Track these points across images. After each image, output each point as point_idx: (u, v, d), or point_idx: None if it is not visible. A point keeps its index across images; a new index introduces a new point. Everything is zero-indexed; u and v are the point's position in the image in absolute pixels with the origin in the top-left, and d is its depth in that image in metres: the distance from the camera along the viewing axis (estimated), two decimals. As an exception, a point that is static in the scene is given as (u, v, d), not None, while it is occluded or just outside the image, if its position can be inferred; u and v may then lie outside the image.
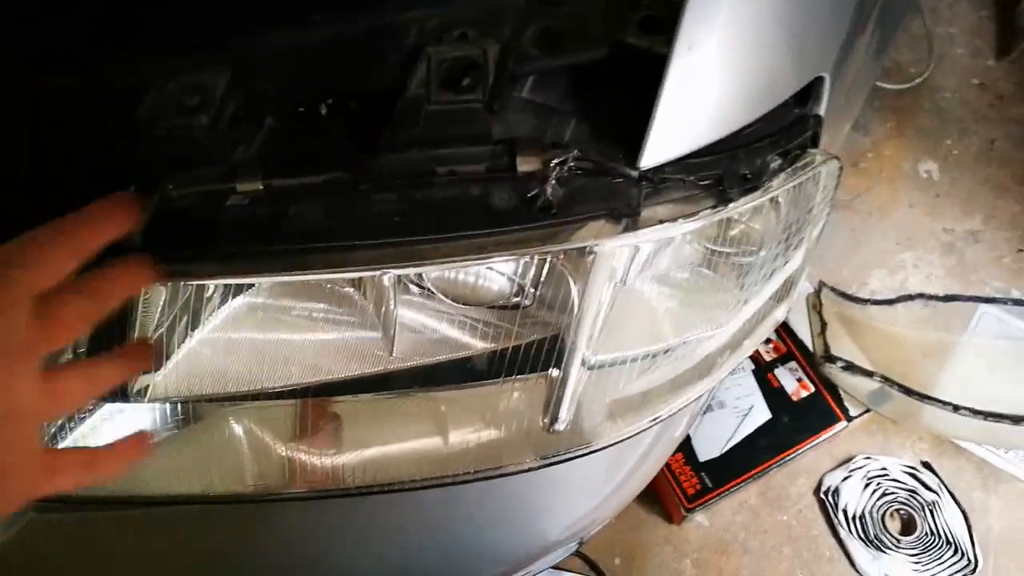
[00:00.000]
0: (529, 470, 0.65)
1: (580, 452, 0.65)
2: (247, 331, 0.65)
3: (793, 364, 1.49)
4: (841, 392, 1.46)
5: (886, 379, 1.38)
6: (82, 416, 0.65)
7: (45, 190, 0.60)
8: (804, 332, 1.51)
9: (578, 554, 1.41)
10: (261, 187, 0.55)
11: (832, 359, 1.41)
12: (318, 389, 0.65)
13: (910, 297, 1.53)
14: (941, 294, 1.55)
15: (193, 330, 0.65)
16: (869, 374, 1.39)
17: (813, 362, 1.47)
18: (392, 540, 0.73)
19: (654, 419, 0.66)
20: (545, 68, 0.59)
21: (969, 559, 1.39)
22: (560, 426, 0.63)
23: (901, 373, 1.41)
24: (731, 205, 0.56)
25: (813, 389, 1.46)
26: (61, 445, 0.63)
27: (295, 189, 0.55)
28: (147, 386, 0.65)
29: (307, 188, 0.55)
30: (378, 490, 0.66)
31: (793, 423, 1.43)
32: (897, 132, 1.82)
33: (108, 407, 0.65)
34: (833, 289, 1.54)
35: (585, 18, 0.59)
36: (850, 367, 1.40)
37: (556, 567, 1.43)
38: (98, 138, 0.59)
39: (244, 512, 0.69)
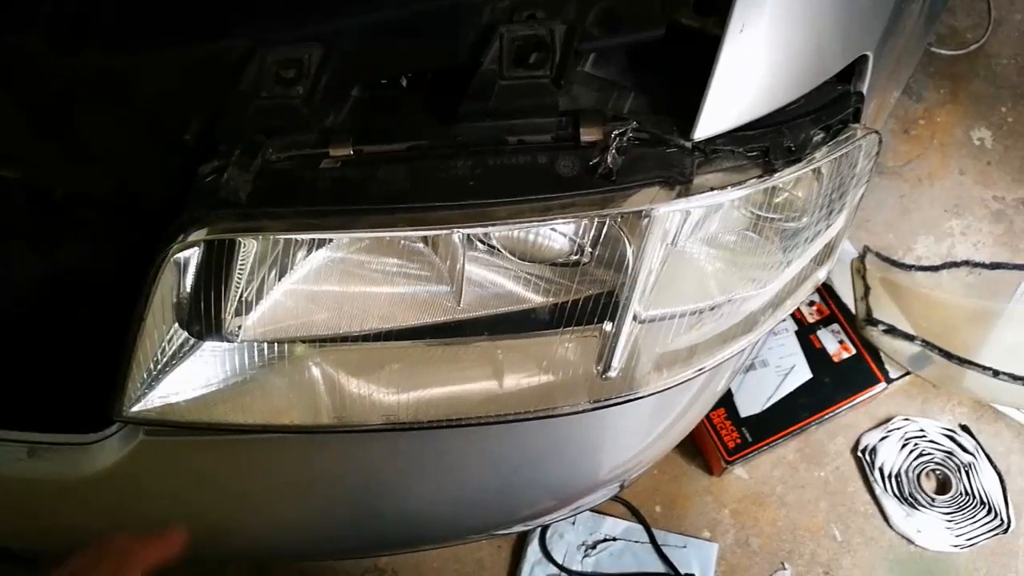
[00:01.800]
0: (581, 411, 0.72)
1: (629, 398, 0.71)
2: (327, 284, 0.72)
3: (835, 326, 1.52)
4: (882, 355, 1.50)
5: (927, 343, 1.42)
6: (186, 351, 0.73)
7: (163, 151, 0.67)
8: (847, 295, 1.54)
9: (621, 500, 1.49)
10: (351, 152, 0.62)
11: (874, 322, 1.45)
12: (390, 335, 0.72)
13: (955, 264, 1.55)
14: (987, 262, 1.56)
15: (279, 281, 0.72)
16: (910, 338, 1.43)
17: (855, 325, 1.51)
18: (454, 470, 0.80)
19: (699, 370, 0.72)
20: (606, 47, 0.64)
21: (1002, 519, 1.43)
22: (612, 373, 0.69)
23: (943, 338, 1.44)
24: (776, 175, 0.61)
25: (854, 351, 1.50)
26: (172, 377, 0.71)
27: (381, 155, 0.62)
28: (239, 326, 0.72)
29: (392, 154, 0.62)
30: (442, 424, 0.73)
31: (833, 383, 1.48)
32: (951, 98, 1.81)
33: (207, 344, 0.73)
34: (878, 254, 1.57)
35: None
36: (892, 330, 1.43)
37: (598, 511, 1.51)
38: (209, 103, 0.66)
39: (325, 444, 0.77)
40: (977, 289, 1.55)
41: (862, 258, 1.55)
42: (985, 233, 1.67)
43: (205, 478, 0.79)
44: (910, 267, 1.56)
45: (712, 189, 0.60)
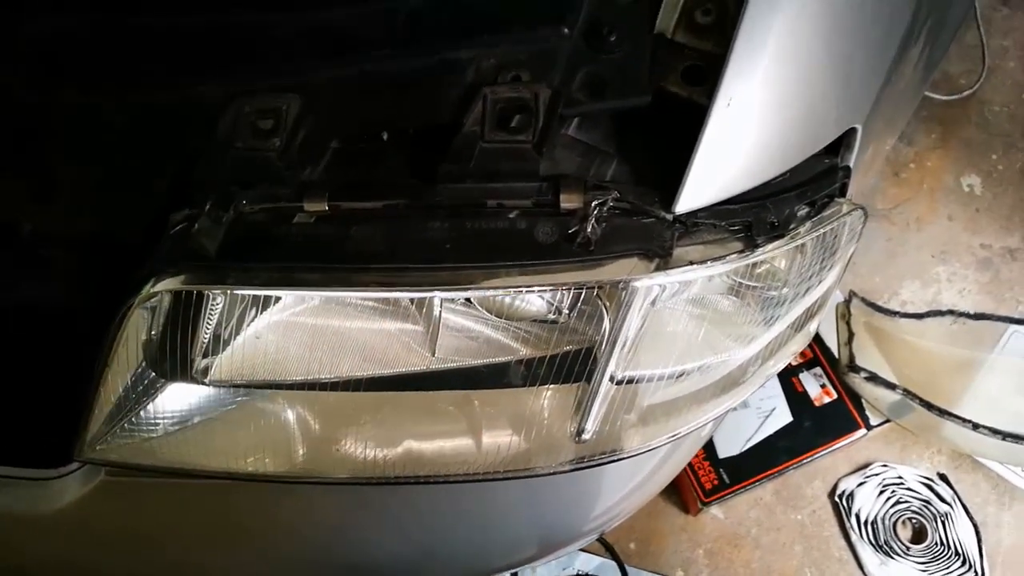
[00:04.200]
0: (557, 472, 0.71)
1: (607, 460, 0.70)
2: (304, 317, 0.70)
3: (818, 370, 1.52)
4: (863, 401, 1.49)
5: (908, 392, 1.41)
6: (152, 392, 0.72)
7: (131, 195, 0.66)
8: (831, 339, 1.54)
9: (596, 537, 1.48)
10: (327, 208, 0.61)
11: (856, 369, 1.44)
12: (363, 383, 0.71)
13: (940, 312, 1.55)
14: (973, 311, 1.56)
15: (253, 320, 0.71)
16: (892, 386, 1.42)
17: (838, 370, 1.51)
18: (426, 526, 0.79)
19: (675, 435, 0.71)
20: (591, 112, 0.63)
21: (976, 571, 1.42)
22: (587, 436, 0.68)
23: (925, 387, 1.44)
24: (758, 251, 0.61)
25: (836, 396, 1.50)
26: (138, 418, 0.70)
27: (357, 212, 0.61)
28: (207, 367, 0.71)
29: (368, 212, 0.61)
30: (415, 481, 0.72)
31: (814, 427, 1.48)
32: (942, 143, 1.82)
33: (174, 386, 0.72)
34: (863, 300, 1.57)
35: (631, 66, 0.63)
36: (873, 378, 1.43)
37: (573, 548, 1.50)
38: (183, 149, 0.65)
39: (290, 491, 0.76)
40: (961, 338, 1.55)
41: (847, 303, 1.55)
42: (971, 280, 1.67)
43: (166, 521, 0.77)
44: (895, 313, 1.56)
45: (691, 263, 0.59)
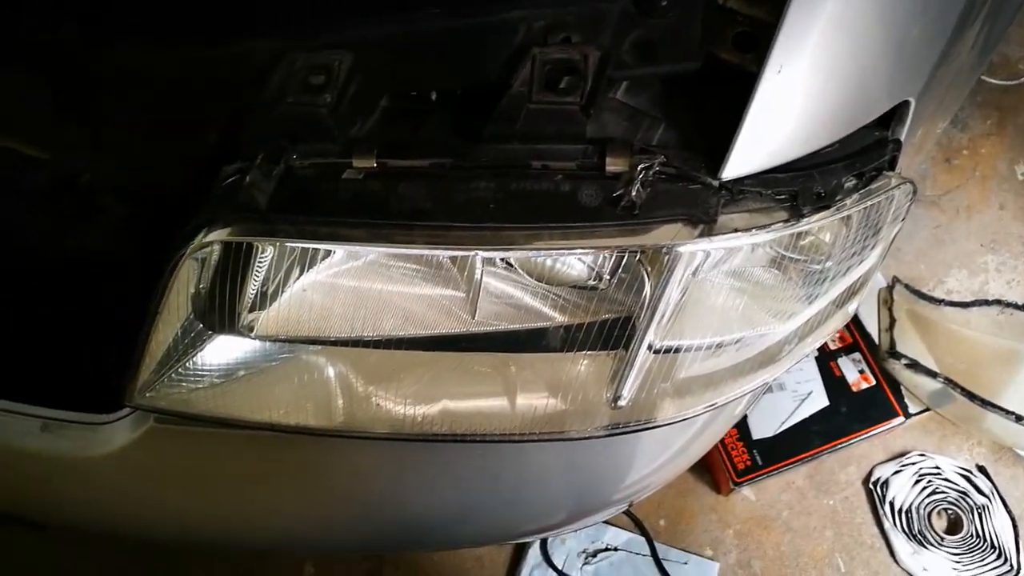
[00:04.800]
0: (591, 437, 0.72)
1: (641, 427, 0.70)
2: (348, 279, 0.71)
3: (857, 355, 1.50)
4: (902, 388, 1.47)
5: (950, 381, 1.39)
6: (199, 344, 0.74)
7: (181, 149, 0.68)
8: (872, 325, 1.52)
9: (626, 512, 1.49)
10: (375, 165, 0.62)
11: (897, 355, 1.42)
12: (404, 342, 0.72)
13: (987, 302, 1.52)
14: (1020, 302, 1.53)
15: (300, 276, 0.72)
16: (933, 374, 1.40)
17: (877, 356, 1.49)
18: (459, 482, 0.80)
19: (711, 405, 0.71)
20: (640, 76, 0.63)
21: (1012, 565, 1.40)
22: (623, 403, 0.69)
23: (967, 377, 1.41)
24: (803, 220, 0.60)
25: (874, 382, 1.48)
26: (185, 368, 0.72)
27: (404, 170, 0.61)
28: (254, 321, 0.72)
29: (414, 170, 0.61)
30: (451, 439, 0.73)
31: (850, 413, 1.46)
32: (997, 130, 1.77)
33: (220, 338, 0.74)
34: (907, 286, 1.54)
35: (681, 30, 0.63)
36: (914, 365, 1.41)
37: (604, 521, 1.50)
38: (235, 104, 0.66)
39: (330, 445, 0.78)
40: (1007, 329, 1.52)
41: (890, 288, 1.52)
42: (1020, 271, 1.63)
43: (211, 468, 0.80)
44: (939, 301, 1.53)
45: (736, 230, 0.59)
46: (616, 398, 0.69)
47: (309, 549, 0.89)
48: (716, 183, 0.59)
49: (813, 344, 0.75)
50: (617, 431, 0.72)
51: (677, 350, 0.70)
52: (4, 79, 0.71)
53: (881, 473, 1.50)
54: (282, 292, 0.72)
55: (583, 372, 0.71)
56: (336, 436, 0.75)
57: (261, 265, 0.69)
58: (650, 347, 0.68)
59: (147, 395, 0.73)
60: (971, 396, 1.39)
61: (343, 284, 0.71)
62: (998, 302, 1.51)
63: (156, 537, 0.89)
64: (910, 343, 1.46)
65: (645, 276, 0.63)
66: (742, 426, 1.45)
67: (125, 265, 0.76)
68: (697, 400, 0.72)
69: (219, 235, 0.63)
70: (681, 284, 0.63)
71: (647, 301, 0.63)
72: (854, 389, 1.48)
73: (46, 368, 0.82)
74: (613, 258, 0.63)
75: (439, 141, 0.63)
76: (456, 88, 0.65)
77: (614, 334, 0.68)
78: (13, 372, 0.82)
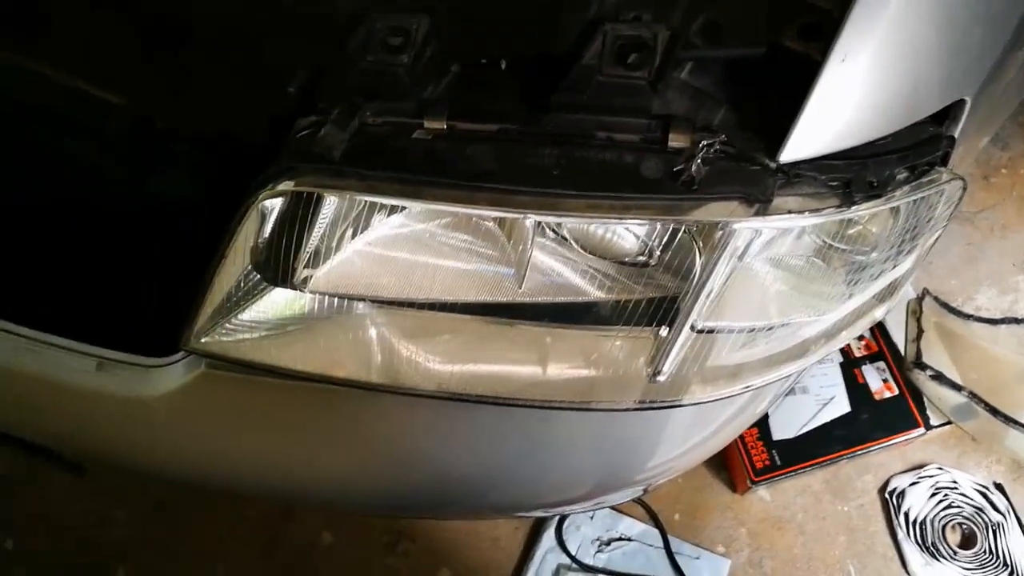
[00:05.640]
0: (624, 410, 0.74)
1: (673, 404, 0.72)
2: (398, 250, 0.74)
3: (881, 364, 1.51)
4: (925, 400, 1.48)
5: (974, 395, 1.40)
6: (256, 294, 0.76)
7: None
8: (899, 335, 1.52)
9: (641, 503, 1.50)
10: (445, 127, 0.64)
11: (922, 366, 1.43)
12: (449, 307, 0.74)
13: (1016, 320, 1.52)
14: (1049, 322, 1.53)
15: (353, 240, 0.74)
16: (957, 387, 1.41)
17: (902, 366, 1.49)
18: (492, 445, 0.82)
19: (745, 387, 0.73)
20: (706, 57, 0.65)
21: (1023, 583, 1.41)
22: (662, 378, 0.71)
23: (991, 393, 1.42)
24: (854, 208, 0.62)
25: (897, 392, 1.49)
26: (241, 316, 0.75)
27: (472, 133, 0.64)
28: (308, 277, 0.75)
29: (482, 134, 0.64)
30: (487, 400, 0.75)
31: (871, 421, 1.47)
32: (1038, 151, 1.77)
33: (277, 290, 0.76)
34: (936, 299, 1.55)
35: (749, 15, 0.65)
36: (939, 377, 1.42)
37: (617, 510, 1.52)
38: (315, 59, 0.69)
39: (372, 399, 0.80)
40: (1033, 348, 1.52)
41: (920, 300, 1.53)
42: (1051, 294, 1.63)
43: (258, 416, 0.82)
44: (968, 316, 1.54)
45: (789, 212, 0.61)
46: (656, 373, 0.71)
47: (344, 502, 0.91)
48: (773, 165, 0.61)
49: (843, 340, 0.77)
50: (652, 406, 0.74)
51: (718, 331, 0.71)
52: (91, 22, 0.74)
53: (898, 483, 1.51)
54: (337, 252, 0.74)
55: (623, 347, 0.73)
56: (379, 390, 0.77)
57: (323, 221, 0.71)
58: (692, 327, 0.70)
59: (203, 340, 0.75)
60: (994, 412, 1.39)
61: (394, 256, 0.73)
62: (1027, 321, 1.52)
63: (200, 480, 0.91)
64: (936, 355, 1.47)
65: (697, 252, 0.65)
66: (763, 426, 1.46)
67: (195, 211, 0.79)
68: (732, 382, 0.74)
69: (288, 185, 0.65)
70: (728, 266, 0.65)
71: (696, 276, 0.65)
72: (877, 397, 1.49)
73: (106, 308, 0.85)
74: (668, 232, 0.65)
75: (508, 107, 0.65)
76: (527, 59, 0.68)
77: (658, 312, 0.69)
78: (73, 310, 0.85)
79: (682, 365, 0.72)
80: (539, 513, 1.39)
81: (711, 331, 0.71)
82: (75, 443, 0.92)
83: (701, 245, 0.64)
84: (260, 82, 0.71)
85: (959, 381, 1.43)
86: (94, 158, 0.78)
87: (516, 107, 0.66)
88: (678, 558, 1.48)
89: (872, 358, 1.52)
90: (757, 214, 0.61)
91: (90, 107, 0.76)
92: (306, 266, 0.74)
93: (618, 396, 0.74)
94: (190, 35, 0.72)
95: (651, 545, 1.50)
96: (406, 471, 0.83)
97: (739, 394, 0.76)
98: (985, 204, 1.72)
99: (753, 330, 0.73)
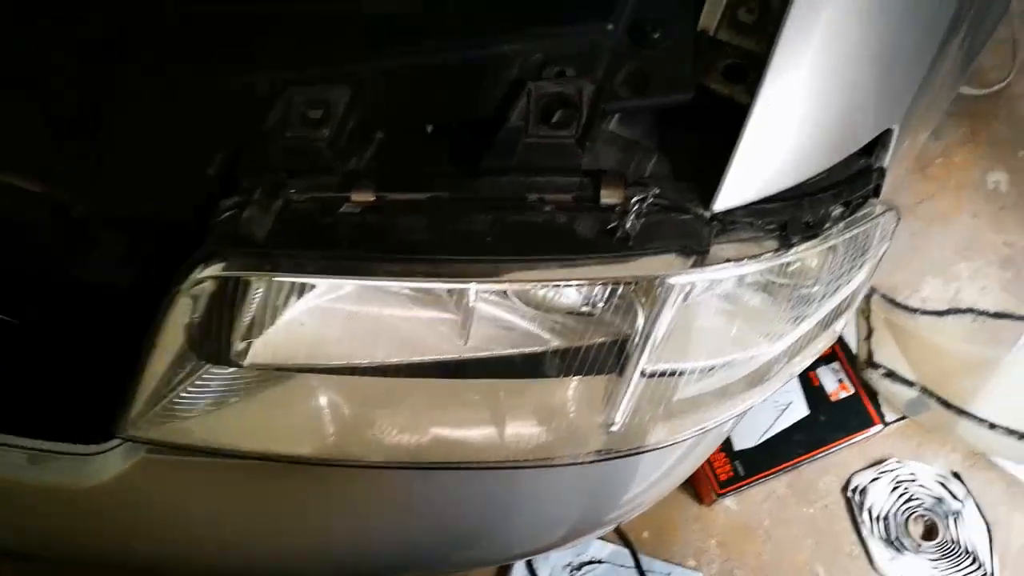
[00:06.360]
0: (582, 463, 0.72)
1: (633, 452, 0.71)
2: (342, 303, 0.71)
3: (836, 364, 1.53)
4: (880, 397, 1.50)
5: (925, 390, 1.42)
6: (192, 373, 0.73)
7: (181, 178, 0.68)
8: (850, 335, 1.55)
9: (610, 524, 1.50)
10: (373, 199, 0.62)
11: (875, 365, 1.45)
12: (397, 369, 0.73)
13: (960, 311, 1.55)
14: (993, 309, 1.57)
15: (295, 303, 0.72)
16: (909, 383, 1.43)
17: (855, 365, 1.51)
18: (449, 508, 0.81)
19: (702, 428, 0.73)
20: (633, 107, 0.64)
21: (986, 571, 1.44)
22: (615, 428, 0.70)
23: (942, 385, 1.45)
24: (792, 250, 0.62)
25: (852, 391, 1.51)
26: (176, 399, 0.72)
27: (401, 204, 0.62)
28: (245, 350, 0.72)
29: (413, 204, 0.62)
30: (443, 467, 0.74)
31: (829, 422, 1.49)
32: (970, 138, 1.81)
33: (215, 368, 0.73)
34: (884, 296, 1.57)
35: (674, 62, 0.64)
36: (891, 375, 1.44)
37: (588, 534, 1.52)
38: (233, 137, 0.66)
39: (323, 473, 0.78)
40: (979, 336, 1.56)
41: (868, 298, 1.55)
42: (993, 278, 1.67)
43: (203, 498, 0.79)
44: (915, 311, 1.57)
45: (728, 260, 0.61)
46: (609, 423, 0.70)
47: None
48: (708, 214, 0.61)
49: (802, 364, 0.77)
50: (609, 456, 0.73)
51: (669, 374, 0.71)
52: (2, 114, 0.70)
53: (859, 481, 1.52)
54: (276, 320, 0.72)
55: (575, 397, 0.72)
56: (329, 465, 0.75)
57: (255, 296, 0.69)
58: (643, 372, 0.69)
59: (139, 426, 0.72)
60: (946, 404, 1.42)
61: (337, 308, 0.71)
62: (971, 310, 1.55)
63: (148, 565, 0.88)
64: (887, 352, 1.49)
65: (639, 306, 0.64)
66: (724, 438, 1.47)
67: (118, 296, 0.76)
68: (688, 423, 0.73)
69: (215, 270, 0.63)
70: (673, 311, 0.64)
71: (640, 329, 0.65)
72: (833, 398, 1.51)
73: (33, 398, 0.81)
74: (608, 288, 0.64)
75: (436, 174, 0.64)
76: (453, 122, 0.66)
77: (607, 359, 0.68)
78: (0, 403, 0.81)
79: (636, 412, 0.71)
80: (509, 562, 1.38)
81: (663, 374, 0.71)
82: (15, 539, 0.88)
83: (643, 299, 0.63)
84: (176, 165, 0.69)
85: (910, 375, 1.45)
86: (10, 248, 0.75)
87: (445, 173, 0.64)
88: (650, 576, 1.48)
89: (826, 360, 1.53)
90: (695, 265, 0.60)
91: (2, 195, 0.72)
92: (243, 338, 0.71)
93: (575, 449, 0.73)
94: (100, 121, 0.69)
95: (622, 565, 1.49)
96: (362, 543, 0.81)
97: (699, 434, 0.76)
98: (924, 195, 1.75)
99: (705, 369, 0.72)
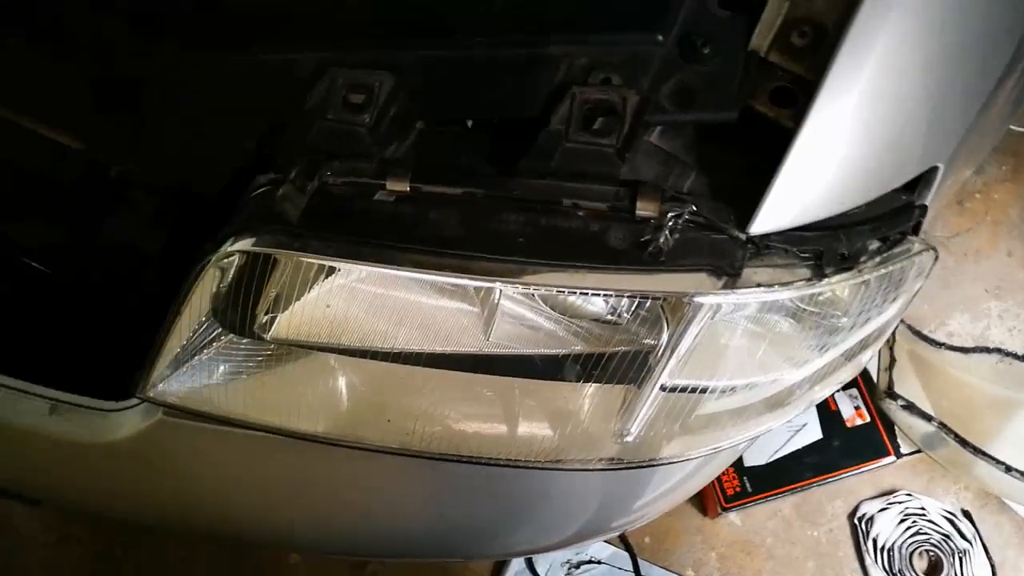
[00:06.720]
0: (593, 470, 0.72)
1: (645, 464, 0.71)
2: (369, 285, 0.70)
3: (854, 391, 1.52)
4: (896, 428, 1.49)
5: (944, 426, 1.40)
6: (214, 342, 0.74)
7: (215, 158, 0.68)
8: (872, 363, 1.52)
9: (612, 528, 1.50)
10: (408, 189, 0.62)
11: (894, 396, 1.43)
12: (417, 357, 0.73)
13: (987, 350, 1.53)
14: (1020, 353, 1.54)
15: (321, 282, 0.72)
16: (928, 418, 1.41)
17: (875, 394, 1.50)
18: (457, 498, 0.81)
19: (716, 447, 0.72)
20: (677, 121, 0.63)
21: (988, 611, 1.42)
22: (629, 439, 0.69)
23: (961, 422, 1.42)
24: (824, 280, 0.61)
25: (868, 419, 1.49)
26: (197, 366, 0.73)
27: (436, 196, 0.62)
28: (269, 324, 0.73)
29: (446, 197, 0.62)
30: (454, 460, 0.74)
31: (842, 448, 1.47)
32: (1012, 176, 1.78)
33: (238, 339, 0.74)
34: (909, 327, 1.55)
35: (721, 79, 0.63)
36: (910, 407, 1.42)
37: (589, 535, 1.52)
38: (273, 114, 0.67)
39: (332, 452, 0.78)
40: (1005, 378, 1.53)
41: (893, 329, 1.53)
42: (1023, 320, 1.64)
43: (215, 464, 0.81)
44: (940, 344, 1.54)
45: (759, 285, 0.60)
46: (624, 433, 0.70)
47: (304, 548, 0.90)
48: (743, 236, 0.60)
49: (823, 392, 0.76)
50: (620, 466, 0.72)
51: (689, 390, 0.70)
52: (50, 71, 0.71)
53: (867, 509, 1.51)
54: (301, 297, 0.72)
55: (592, 404, 0.72)
56: (341, 445, 0.76)
57: (283, 273, 0.69)
58: (663, 386, 0.69)
59: (158, 389, 0.73)
60: (963, 443, 1.40)
61: (363, 289, 0.71)
62: (999, 350, 1.52)
63: (156, 522, 0.90)
64: (908, 383, 1.47)
65: (664, 322, 0.63)
66: (735, 452, 1.46)
67: (148, 257, 0.77)
68: (703, 441, 0.73)
69: (246, 244, 0.63)
70: (699, 329, 0.64)
71: (664, 344, 0.64)
72: (848, 424, 1.49)
73: (59, 350, 0.83)
74: (636, 300, 0.64)
75: (472, 169, 0.64)
76: (492, 119, 0.66)
77: (628, 370, 0.68)
78: (26, 352, 0.82)
79: (652, 425, 0.71)
80: (512, 557, 1.38)
81: (682, 389, 0.70)
82: (29, 485, 0.90)
83: (670, 316, 0.63)
84: (216, 135, 0.69)
85: (930, 409, 1.43)
86: (47, 200, 0.76)
87: (481, 169, 0.64)
88: (648, 582, 1.48)
89: (846, 385, 1.51)
90: (725, 287, 0.60)
91: (45, 151, 0.73)
92: (267, 312, 0.72)
93: (588, 455, 0.73)
94: (147, 86, 0.70)
95: (620, 568, 1.49)
96: (369, 524, 0.82)
97: (713, 452, 0.75)
98: (959, 229, 1.72)
99: (726, 389, 0.72)
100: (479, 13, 0.65)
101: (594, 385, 0.71)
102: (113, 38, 0.68)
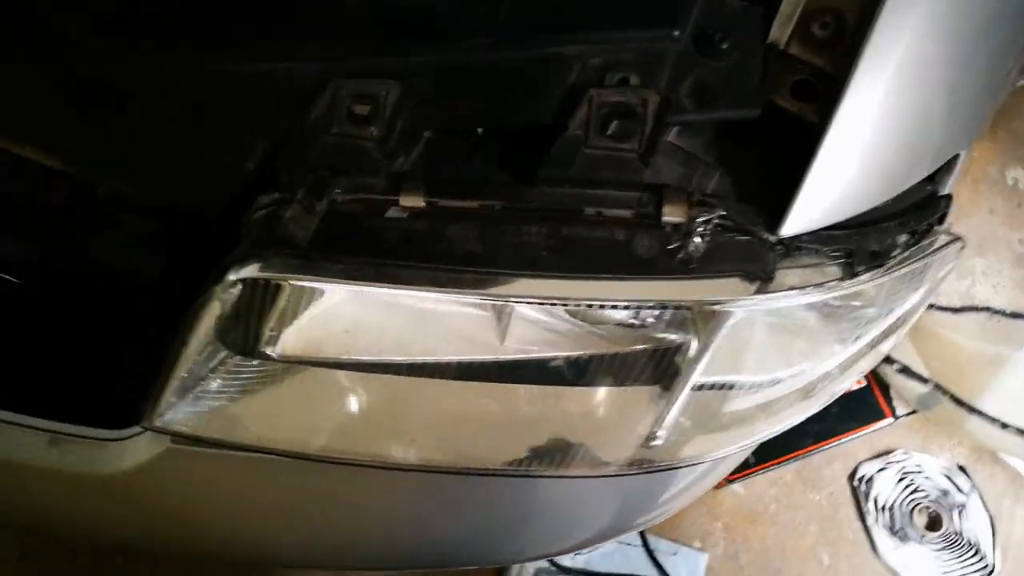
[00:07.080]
0: (617, 475, 0.71)
1: (671, 467, 0.70)
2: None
3: (850, 356, 1.52)
4: (891, 391, 1.50)
5: (939, 387, 1.42)
6: (220, 365, 0.71)
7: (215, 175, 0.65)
8: (865, 327, 1.53)
9: (616, 506, 1.50)
10: (423, 204, 0.59)
11: (889, 360, 1.45)
12: (429, 370, 0.70)
13: (976, 308, 1.54)
14: (1006, 306, 1.56)
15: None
16: (923, 380, 1.43)
17: (870, 358, 1.51)
18: (473, 509, 0.80)
19: (743, 444, 0.71)
20: (698, 120, 0.61)
21: (988, 563, 1.45)
22: (659, 442, 0.68)
23: (953, 379, 1.45)
24: (856, 278, 0.60)
25: (864, 383, 1.51)
26: (205, 390, 0.70)
27: (453, 211, 0.59)
28: (275, 338, 0.69)
29: (463, 211, 0.59)
30: (473, 473, 0.72)
31: (840, 413, 1.49)
32: (990, 135, 1.78)
33: (241, 360, 0.71)
34: (901, 289, 1.56)
35: (741, 74, 0.61)
36: (905, 370, 1.44)
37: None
38: (272, 127, 0.63)
39: (349, 470, 0.76)
40: (992, 334, 1.55)
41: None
42: (1006, 276, 1.66)
43: (227, 491, 0.78)
44: (930, 306, 1.55)
45: (791, 288, 0.58)
46: (652, 437, 0.69)
47: (328, 567, 0.88)
48: (774, 239, 0.58)
49: (845, 383, 0.75)
50: (647, 470, 0.71)
51: (717, 387, 0.69)
52: (25, 86, 0.66)
53: (866, 470, 1.53)
54: (307, 311, 0.69)
55: (617, 408, 0.70)
56: (354, 465, 0.74)
57: (292, 293, 0.66)
58: (692, 386, 0.67)
59: (165, 418, 0.70)
60: (958, 402, 1.42)
61: (370, 298, 0.68)
62: (988, 309, 1.54)
63: (166, 551, 0.87)
64: (901, 345, 1.49)
65: (693, 327, 0.62)
66: (735, 424, 1.47)
67: (144, 280, 0.73)
68: (731, 438, 0.72)
69: (253, 271, 0.60)
70: (729, 330, 0.62)
71: (695, 350, 0.63)
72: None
73: (57, 380, 0.79)
74: (669, 311, 0.62)
75: (490, 181, 0.61)
76: (505, 126, 0.63)
77: (654, 371, 0.66)
78: (23, 383, 0.79)
79: (681, 426, 0.69)
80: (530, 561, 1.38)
81: (711, 387, 0.69)
82: (31, 521, 0.87)
83: (700, 323, 0.61)
84: (211, 152, 0.65)
85: (923, 370, 1.45)
86: (34, 227, 0.72)
87: (499, 181, 0.61)
88: (656, 555, 1.49)
89: (840, 351, 1.52)
90: (758, 291, 0.58)
91: (28, 175, 0.69)
92: (273, 329, 0.69)
93: (615, 460, 0.71)
94: (132, 99, 0.65)
95: (629, 544, 1.50)
96: (384, 541, 0.80)
97: (739, 450, 0.74)
98: (943, 187, 1.72)
99: (754, 384, 0.71)
100: (487, 13, 0.61)
101: (619, 389, 0.69)
102: (83, 39, 0.62)
